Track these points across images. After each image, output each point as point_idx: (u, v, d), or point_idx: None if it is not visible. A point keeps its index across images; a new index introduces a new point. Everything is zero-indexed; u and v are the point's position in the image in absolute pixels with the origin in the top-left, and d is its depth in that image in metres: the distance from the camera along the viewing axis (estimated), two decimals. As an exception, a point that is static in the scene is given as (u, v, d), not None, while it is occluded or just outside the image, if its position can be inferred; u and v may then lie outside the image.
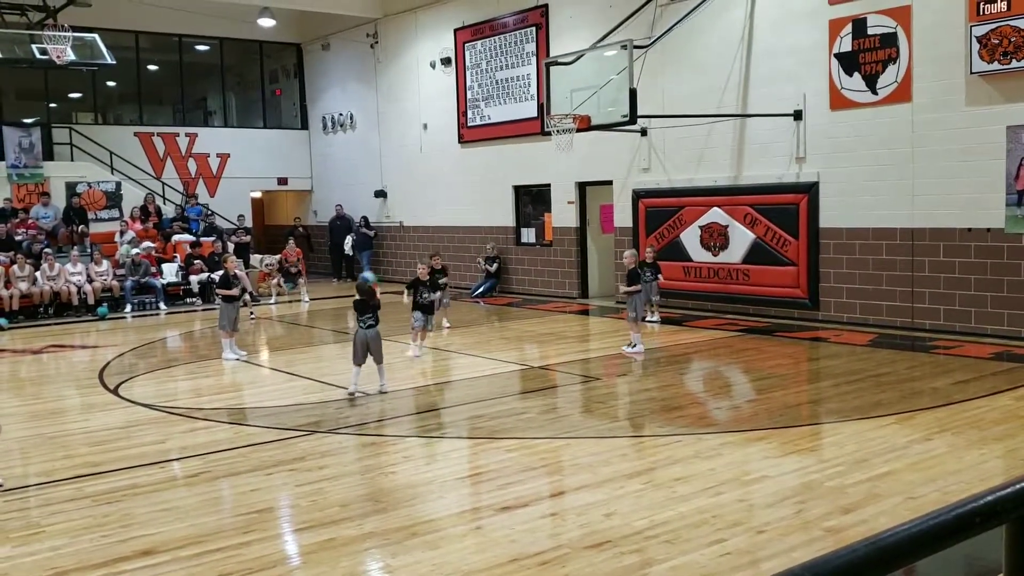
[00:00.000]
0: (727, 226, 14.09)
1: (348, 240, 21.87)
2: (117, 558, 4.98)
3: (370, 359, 9.12)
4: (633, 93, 12.00)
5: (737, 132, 13.94)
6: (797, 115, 13.06)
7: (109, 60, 18.72)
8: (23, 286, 16.25)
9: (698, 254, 14.52)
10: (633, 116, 12.15)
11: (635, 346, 11.25)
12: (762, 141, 13.59)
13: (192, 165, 22.93)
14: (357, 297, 9.30)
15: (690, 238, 14.62)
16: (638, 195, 15.49)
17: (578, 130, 12.83)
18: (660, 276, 13.33)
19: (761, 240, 13.65)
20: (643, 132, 15.04)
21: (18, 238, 17.63)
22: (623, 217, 15.94)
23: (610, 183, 16.16)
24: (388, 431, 7.88)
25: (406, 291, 11.80)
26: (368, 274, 12.80)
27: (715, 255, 14.29)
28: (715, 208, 14.24)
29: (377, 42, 21.47)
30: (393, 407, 8.67)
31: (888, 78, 11.99)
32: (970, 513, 1.75)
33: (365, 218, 21.83)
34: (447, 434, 7.66)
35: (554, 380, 9.98)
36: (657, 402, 8.85)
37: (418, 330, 11.42)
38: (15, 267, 16.36)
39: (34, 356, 12.63)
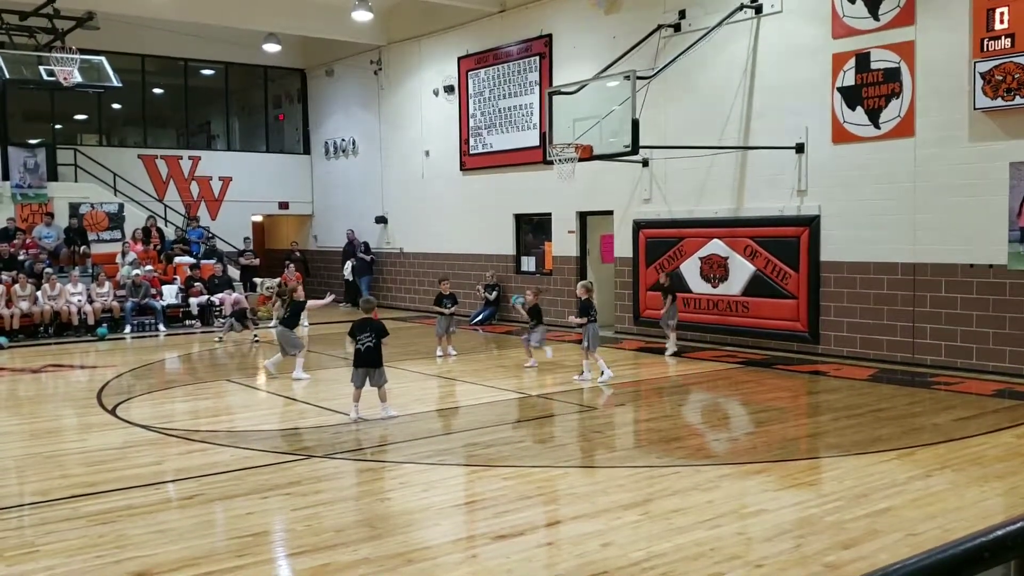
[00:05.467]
0: (727, 258, 14.11)
1: (348, 265, 21.89)
2: (110, 580, 4.94)
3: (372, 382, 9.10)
4: (635, 124, 12.07)
5: (739, 164, 14.00)
6: (799, 148, 13.12)
7: (115, 83, 18.84)
8: (24, 305, 16.25)
9: (698, 285, 14.53)
10: (635, 146, 12.20)
11: (583, 374, 11.31)
12: (764, 173, 13.65)
13: (195, 188, 23.02)
14: (361, 317, 9.29)
15: (690, 269, 14.63)
16: (639, 225, 15.53)
17: (580, 159, 12.88)
18: (672, 299, 13.42)
19: (761, 272, 13.66)
20: (645, 163, 15.11)
21: (20, 257, 17.65)
22: (623, 247, 15.97)
23: (611, 213, 16.21)
24: (385, 457, 7.85)
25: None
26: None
27: (715, 287, 14.30)
28: (715, 240, 14.27)
29: (381, 69, 21.62)
30: (390, 433, 8.63)
31: (891, 112, 12.06)
32: (978, 548, 1.73)
33: (365, 243, 21.87)
34: (444, 461, 7.62)
35: (551, 409, 9.95)
36: (655, 433, 8.82)
37: (440, 335, 12.59)
38: (16, 286, 16.36)
39: (33, 375, 12.60)
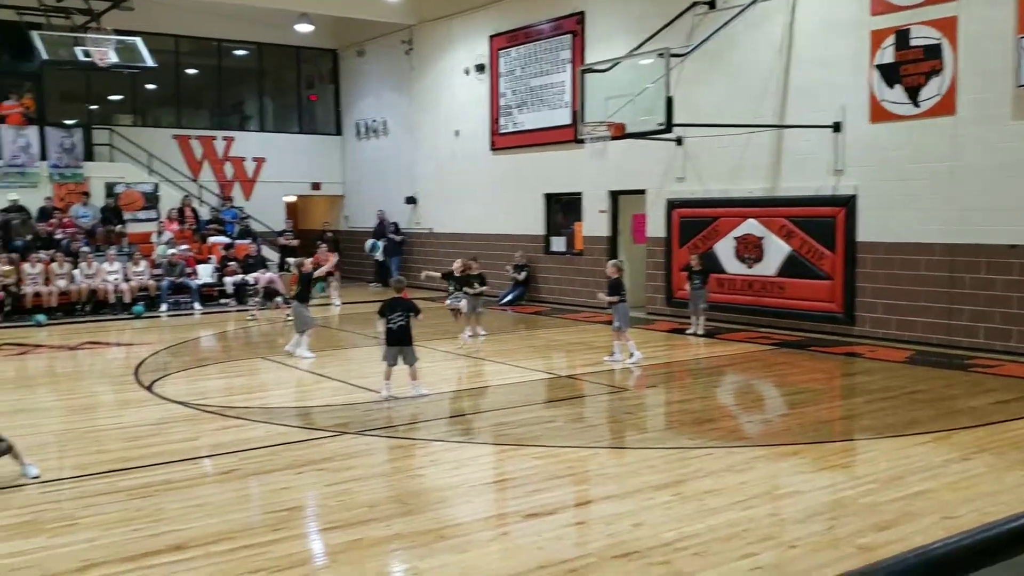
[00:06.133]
0: (762, 238, 13.97)
1: (378, 245, 21.94)
2: (148, 552, 5.01)
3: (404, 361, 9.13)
4: (669, 102, 11.94)
5: (774, 143, 13.83)
6: (836, 127, 12.92)
7: (150, 63, 18.97)
8: (62, 283, 16.49)
9: (732, 266, 14.40)
10: (669, 125, 12.08)
11: (614, 355, 11.22)
12: (800, 152, 13.47)
13: (229, 168, 23.17)
14: (391, 296, 9.32)
15: (724, 249, 14.51)
16: (672, 205, 15.41)
17: (612, 138, 12.78)
18: (707, 284, 13.34)
19: (796, 253, 13.51)
20: (678, 141, 14.96)
21: (58, 236, 17.90)
22: (656, 227, 15.86)
23: (643, 192, 16.10)
24: (416, 434, 7.88)
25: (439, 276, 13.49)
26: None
27: (749, 267, 14.17)
28: (750, 219, 14.13)
29: (412, 48, 21.58)
30: (421, 411, 8.66)
31: (931, 90, 11.83)
32: (1020, 530, 1.69)
33: (395, 224, 21.92)
34: (474, 439, 7.64)
35: (582, 390, 9.93)
36: (687, 414, 8.78)
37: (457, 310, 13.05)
38: (54, 265, 16.60)
39: (71, 352, 12.79)
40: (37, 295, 16.15)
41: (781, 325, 13.75)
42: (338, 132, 24.88)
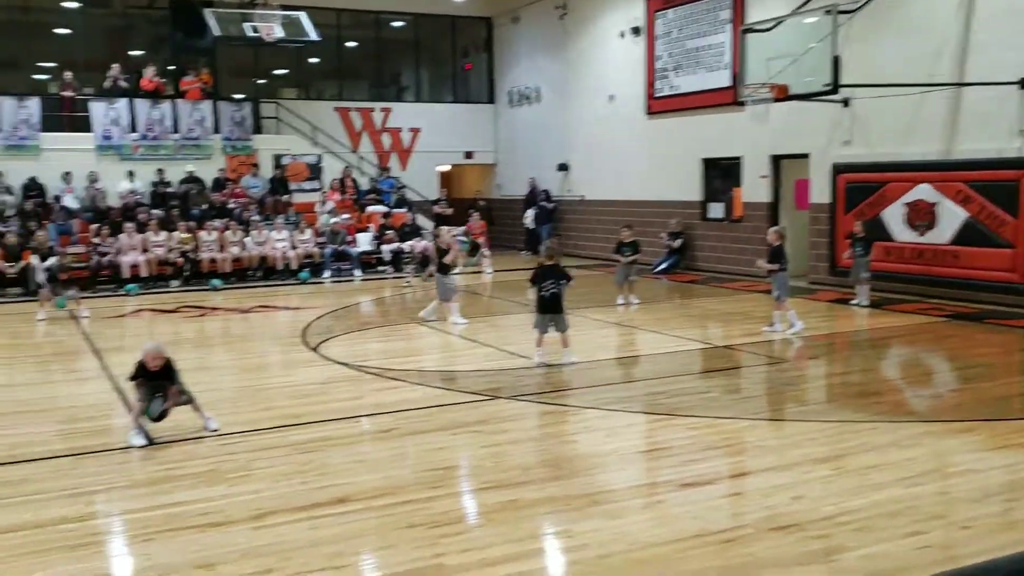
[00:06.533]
0: (935, 204, 13.16)
1: (530, 213, 22.10)
2: (315, 503, 5.28)
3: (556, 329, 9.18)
4: (836, 61, 11.43)
5: (951, 102, 12.94)
6: (1022, 84, 11.97)
7: (314, 37, 19.71)
8: (235, 250, 17.48)
9: (902, 233, 13.65)
10: (835, 85, 11.57)
11: (774, 325, 10.82)
12: (980, 112, 12.56)
13: (386, 139, 23.82)
14: (545, 263, 9.33)
15: (893, 216, 13.76)
16: (837, 169, 14.73)
17: (774, 100, 12.37)
18: (871, 252, 12.74)
19: (974, 219, 12.66)
20: (845, 103, 14.24)
21: (230, 206, 18.96)
22: (820, 193, 15.21)
23: (807, 156, 15.46)
24: (568, 401, 7.92)
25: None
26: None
27: (921, 235, 13.39)
28: (923, 184, 13.33)
29: (566, 13, 21.45)
30: (573, 378, 8.69)
31: None
32: None
33: (546, 191, 21.98)
34: (627, 408, 7.59)
35: (739, 360, 9.69)
36: (850, 387, 8.44)
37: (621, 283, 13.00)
38: (228, 233, 17.61)
39: (243, 315, 13.57)
40: (213, 261, 17.19)
41: (954, 296, 12.94)
42: (491, 100, 25.10)
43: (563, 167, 21.99)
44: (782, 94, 12.19)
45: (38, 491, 5.59)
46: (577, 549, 4.61)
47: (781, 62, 12.20)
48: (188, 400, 6.82)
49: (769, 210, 16.46)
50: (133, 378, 6.71)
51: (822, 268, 15.20)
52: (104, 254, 16.56)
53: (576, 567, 4.42)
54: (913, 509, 5.04)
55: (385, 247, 18.83)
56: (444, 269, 12.11)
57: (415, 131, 24.02)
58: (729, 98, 16.13)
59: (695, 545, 4.62)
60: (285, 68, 24.08)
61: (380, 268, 18.72)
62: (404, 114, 24.06)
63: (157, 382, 6.67)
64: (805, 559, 4.45)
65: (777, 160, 16.30)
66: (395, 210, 20.30)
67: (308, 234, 18.36)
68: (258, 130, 21.11)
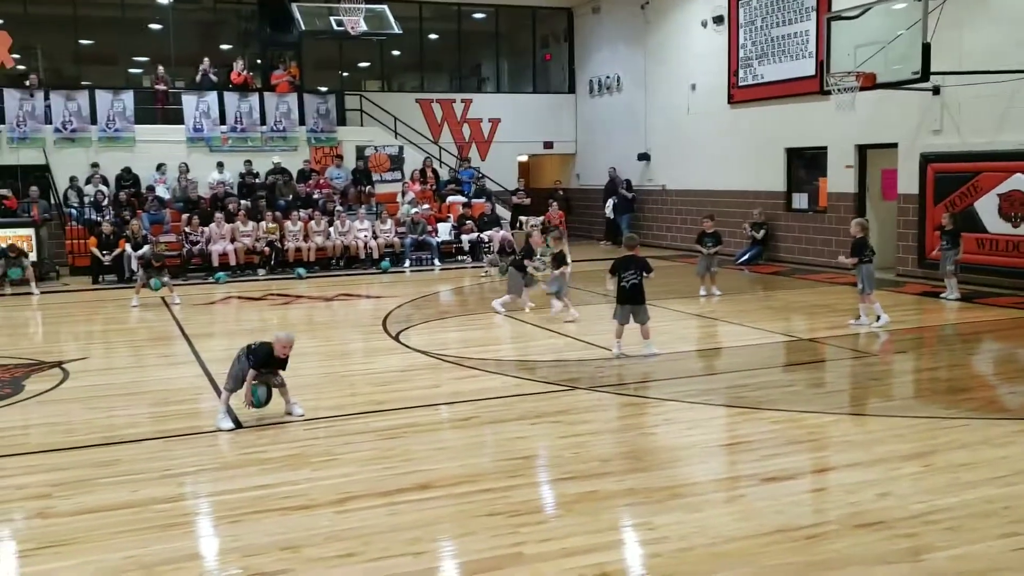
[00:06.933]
0: (1032, 194, 12.67)
1: (610, 203, 21.99)
2: (398, 489, 5.38)
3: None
4: (926, 48, 11.09)
5: (1050, 89, 12.43)
6: None
7: (396, 30, 19.95)
8: (319, 240, 17.85)
9: (995, 225, 13.18)
10: (925, 73, 11.24)
11: (860, 318, 10.55)
12: (1080, 99, 12.03)
13: (466, 130, 23.99)
14: (624, 254, 9.28)
15: (987, 207, 13.29)
16: (927, 159, 14.28)
17: (861, 89, 12.06)
18: (960, 245, 12.32)
19: (1073, 210, 12.16)
20: (935, 90, 13.79)
21: (315, 196, 19.35)
22: (908, 183, 14.77)
23: (894, 146, 15.02)
24: (648, 393, 7.89)
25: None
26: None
27: (1016, 226, 12.90)
28: (1018, 174, 12.83)
29: (648, 2, 21.24)
30: (654, 370, 8.64)
31: None
32: None
33: (627, 181, 21.84)
34: (709, 401, 7.52)
35: (823, 354, 9.50)
36: (939, 383, 8.21)
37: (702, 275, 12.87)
38: (312, 223, 17.99)
39: (327, 303, 13.86)
40: (298, 250, 17.59)
41: (1052, 290, 12.45)
42: (571, 90, 25.04)
43: (644, 156, 21.82)
44: (869, 82, 11.89)
45: (131, 472, 5.82)
46: (657, 542, 4.60)
47: (868, 50, 11.90)
48: (282, 383, 7.00)
49: (855, 200, 16.06)
50: (256, 365, 6.77)
51: (910, 260, 14.77)
52: (195, 243, 17.10)
53: (656, 560, 4.41)
54: (1008, 509, 4.88)
55: (464, 237, 18.98)
56: (521, 266, 12.21)
57: (495, 122, 24.13)
58: (814, 87, 15.77)
59: (777, 540, 4.56)
60: (368, 61, 24.43)
61: (459, 258, 18.88)
62: (484, 105, 24.19)
63: (268, 369, 6.85)
64: (891, 558, 4.35)
65: (863, 150, 15.89)
66: (474, 200, 20.44)
67: (389, 224, 18.63)
68: (342, 122, 21.48)
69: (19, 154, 18.42)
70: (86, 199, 18.10)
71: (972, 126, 13.61)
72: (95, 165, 18.70)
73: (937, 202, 14.03)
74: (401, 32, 20.25)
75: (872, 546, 4.48)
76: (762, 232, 17.61)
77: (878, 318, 10.49)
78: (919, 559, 4.34)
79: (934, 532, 4.62)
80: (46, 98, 18.85)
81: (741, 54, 18.43)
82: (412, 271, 17.74)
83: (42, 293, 14.86)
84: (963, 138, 13.76)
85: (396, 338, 10.50)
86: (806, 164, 17.40)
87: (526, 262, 12.34)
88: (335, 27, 19.34)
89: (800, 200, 17.45)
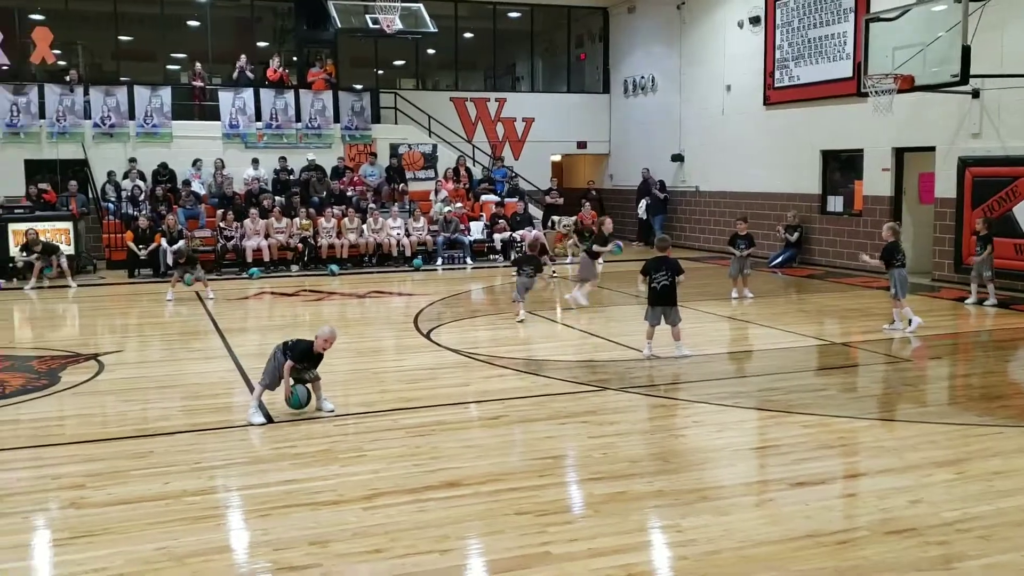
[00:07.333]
0: (1073, 200, 12.45)
1: (643, 204, 21.91)
2: (426, 486, 5.40)
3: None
4: (966, 51, 10.93)
5: (1094, 92, 12.20)
6: None
7: (431, 28, 20.02)
8: (352, 237, 17.96)
9: (1034, 230, 12.97)
10: (965, 76, 11.08)
11: (893, 323, 10.44)
12: (1125, 103, 11.80)
13: (500, 129, 24.01)
14: (656, 255, 9.26)
15: (1026, 212, 13.08)
16: (965, 163, 14.07)
17: (899, 91, 11.90)
18: (990, 249, 12.13)
19: (1116, 217, 11.92)
20: (975, 94, 13.59)
21: (348, 193, 19.47)
22: (945, 187, 14.57)
23: (932, 149, 14.83)
24: (678, 395, 7.85)
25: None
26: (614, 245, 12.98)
27: (1056, 232, 12.69)
28: (1059, 179, 12.63)
29: (684, 3, 21.14)
30: (683, 372, 8.61)
31: None
32: None
33: (661, 182, 21.74)
34: (739, 404, 7.47)
35: (856, 358, 9.40)
36: (974, 389, 8.09)
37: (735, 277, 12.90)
38: (346, 220, 18.10)
39: (359, 300, 13.95)
40: (331, 247, 17.71)
41: (1093, 298, 12.22)
42: (605, 90, 24.97)
43: (677, 157, 21.71)
44: (907, 85, 11.76)
45: (164, 464, 5.90)
46: (685, 544, 4.58)
47: (906, 52, 11.76)
48: (316, 378, 7.06)
49: (891, 204, 15.87)
50: (295, 359, 6.84)
51: (946, 265, 14.57)
52: (229, 238, 17.28)
53: (683, 562, 4.39)
54: (1043, 520, 4.81)
55: (496, 236, 19.01)
56: (593, 253, 12.53)
57: (529, 121, 24.13)
58: (851, 89, 15.61)
59: (807, 545, 4.53)
60: (403, 59, 24.53)
61: (492, 257, 18.91)
62: (518, 104, 24.20)
63: (304, 364, 6.91)
64: (922, 565, 4.30)
65: (900, 153, 15.70)
66: (507, 199, 20.46)
67: (422, 222, 18.70)
68: (376, 120, 21.59)
69: (58, 148, 18.72)
70: (123, 194, 18.35)
71: (1013, 129, 13.39)
72: (132, 160, 18.96)
73: (976, 206, 13.82)
74: (436, 31, 20.31)
75: (903, 553, 4.43)
76: (796, 235, 17.46)
77: (910, 322, 10.36)
78: (950, 567, 4.29)
79: (967, 540, 4.57)
80: (85, 93, 19.13)
81: (777, 55, 18.28)
82: (444, 269, 17.79)
83: (79, 286, 15.10)
84: (1003, 142, 13.55)
85: (427, 336, 10.55)
86: (841, 166, 17.22)
87: (595, 247, 12.45)
88: (371, 25, 19.45)
89: (835, 203, 17.28)
